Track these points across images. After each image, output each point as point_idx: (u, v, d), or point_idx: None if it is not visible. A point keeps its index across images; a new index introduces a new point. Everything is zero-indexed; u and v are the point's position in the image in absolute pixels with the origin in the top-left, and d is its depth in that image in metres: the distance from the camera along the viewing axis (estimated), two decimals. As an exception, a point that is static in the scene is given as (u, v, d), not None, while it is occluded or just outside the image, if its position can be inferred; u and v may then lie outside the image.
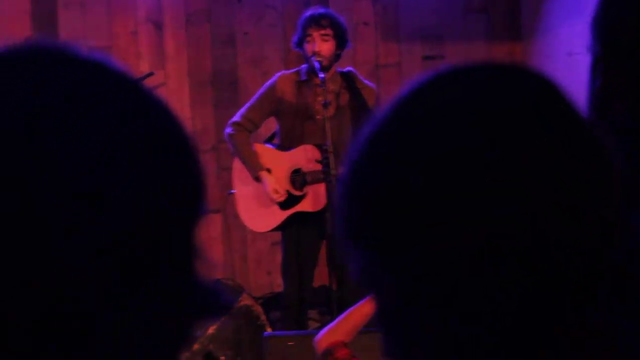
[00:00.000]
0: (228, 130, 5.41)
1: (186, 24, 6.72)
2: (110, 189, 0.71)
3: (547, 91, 0.84)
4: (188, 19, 6.72)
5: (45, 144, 0.69)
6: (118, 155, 0.72)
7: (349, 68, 5.31)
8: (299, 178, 5.24)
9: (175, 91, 6.73)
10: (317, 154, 5.04)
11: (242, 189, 5.51)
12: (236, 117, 5.40)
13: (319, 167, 5.02)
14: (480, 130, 0.80)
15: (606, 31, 1.20)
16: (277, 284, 6.00)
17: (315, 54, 5.01)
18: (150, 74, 6.34)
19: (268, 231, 5.60)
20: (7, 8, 6.41)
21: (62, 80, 0.75)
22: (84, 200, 0.69)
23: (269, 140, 5.57)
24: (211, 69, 6.76)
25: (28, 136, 0.69)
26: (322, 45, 5.01)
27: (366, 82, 5.31)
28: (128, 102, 0.77)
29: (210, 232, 6.74)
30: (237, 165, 5.50)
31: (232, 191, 5.62)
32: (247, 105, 5.41)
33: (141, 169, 0.74)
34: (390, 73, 6.75)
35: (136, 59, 6.66)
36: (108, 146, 0.71)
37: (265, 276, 6.71)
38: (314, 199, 5.17)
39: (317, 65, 4.96)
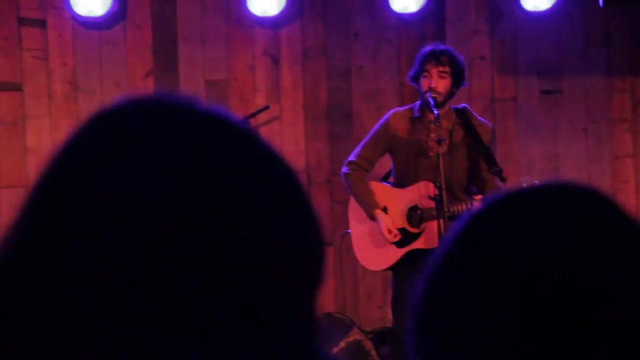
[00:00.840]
0: (344, 170, 5.45)
1: (303, 58, 6.82)
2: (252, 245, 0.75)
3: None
4: (305, 53, 6.81)
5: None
6: (246, 214, 0.75)
7: (464, 105, 5.28)
8: (415, 215, 5.22)
9: (291, 124, 6.82)
10: (432, 191, 5.03)
11: (358, 227, 5.53)
12: (352, 157, 5.44)
13: (433, 204, 5.01)
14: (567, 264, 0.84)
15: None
16: (389, 319, 5.98)
17: (431, 90, 4.99)
18: (266, 108, 6.59)
19: (383, 270, 5.59)
20: (130, 40, 6.68)
21: (188, 144, 0.77)
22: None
23: (385, 178, 5.61)
24: (327, 102, 6.83)
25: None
26: (439, 82, 4.99)
27: (481, 119, 5.27)
28: (249, 160, 0.79)
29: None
30: (353, 204, 5.53)
31: (349, 231, 5.64)
32: (362, 144, 5.45)
33: (267, 227, 0.76)
34: (507, 108, 6.69)
35: (253, 93, 6.78)
36: (237, 207, 0.75)
37: (377, 310, 6.67)
38: (429, 237, 5.15)
39: (431, 101, 4.94)
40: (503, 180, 5.13)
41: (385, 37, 6.78)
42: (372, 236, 5.41)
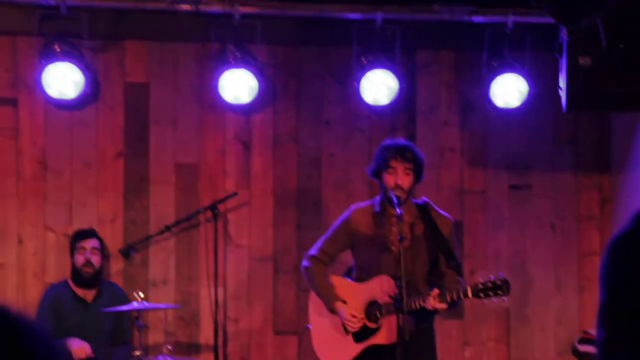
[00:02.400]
0: (305, 263, 5.45)
1: (273, 144, 6.85)
2: None
3: None
4: (276, 139, 6.84)
5: None
6: None
7: (424, 198, 5.28)
8: (373, 309, 5.19)
9: (259, 210, 6.84)
10: (392, 286, 4.99)
11: (318, 320, 5.52)
12: (313, 250, 5.43)
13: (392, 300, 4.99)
14: None
15: (611, 283, 1.21)
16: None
17: (396, 187, 4.97)
18: (234, 194, 6.62)
19: None
20: (101, 121, 6.70)
21: None
22: None
23: (346, 274, 5.61)
24: (296, 188, 6.86)
25: None
26: (404, 178, 4.99)
27: (441, 212, 5.26)
28: None
29: (286, 353, 6.74)
30: (313, 297, 5.52)
31: (308, 326, 5.61)
32: (323, 238, 5.44)
33: None
34: (475, 200, 6.72)
35: (222, 177, 6.80)
36: None
37: None
38: (388, 332, 5.11)
39: (394, 199, 4.93)
40: (460, 274, 5.16)
41: (356, 126, 6.82)
42: (332, 330, 5.41)
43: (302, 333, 6.22)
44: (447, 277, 5.12)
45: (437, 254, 5.17)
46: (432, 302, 4.91)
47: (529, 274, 6.73)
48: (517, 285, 6.19)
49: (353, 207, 5.33)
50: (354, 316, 5.20)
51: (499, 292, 4.91)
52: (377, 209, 5.16)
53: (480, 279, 4.99)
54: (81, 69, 6.35)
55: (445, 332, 6.48)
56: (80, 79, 6.33)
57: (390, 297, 4.95)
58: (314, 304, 5.50)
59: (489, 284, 4.91)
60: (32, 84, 6.45)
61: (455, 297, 4.94)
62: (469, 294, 4.93)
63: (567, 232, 6.76)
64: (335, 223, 5.43)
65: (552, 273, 6.72)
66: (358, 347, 5.30)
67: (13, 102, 6.59)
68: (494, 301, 5.01)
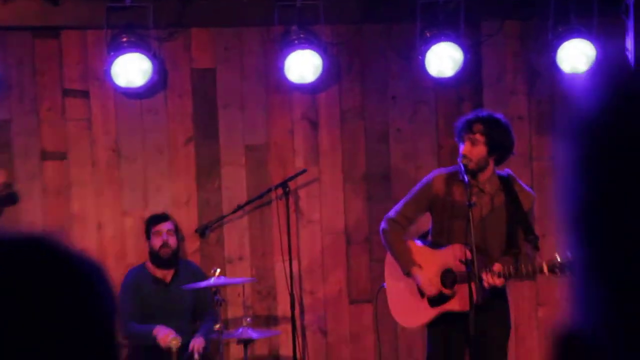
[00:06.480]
0: (383, 225, 5.57)
1: (341, 122, 6.98)
2: None
3: None
4: (342, 117, 6.97)
5: None
6: None
7: (507, 171, 5.42)
8: (449, 277, 5.35)
9: (329, 186, 6.99)
10: (465, 254, 5.15)
11: (393, 283, 5.64)
12: (391, 213, 5.54)
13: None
14: None
15: None
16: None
17: (463, 156, 5.19)
18: (303, 171, 6.78)
19: (416, 327, 5.72)
20: (170, 108, 6.92)
21: None
22: None
23: (423, 237, 5.71)
24: (364, 163, 6.97)
25: None
26: (469, 148, 5.19)
27: (525, 186, 5.44)
28: None
29: (362, 321, 6.92)
30: (389, 260, 5.64)
31: (384, 285, 5.74)
32: (403, 201, 5.55)
33: None
34: (544, 167, 6.78)
35: (292, 156, 6.95)
36: None
37: None
38: (462, 299, 5.24)
39: (461, 167, 5.14)
40: (536, 248, 5.23)
41: (422, 100, 6.89)
42: (407, 293, 5.55)
43: (376, 292, 6.44)
44: (522, 250, 5.28)
45: (515, 226, 5.31)
46: (490, 278, 5.10)
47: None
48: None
49: (436, 172, 5.53)
50: (430, 282, 5.36)
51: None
52: (459, 177, 5.32)
53: (557, 256, 5.10)
54: (149, 57, 6.51)
55: (518, 294, 6.58)
56: (148, 68, 6.49)
57: (461, 262, 5.12)
58: (390, 266, 5.65)
59: (565, 262, 5.00)
60: (102, 76, 6.63)
61: (524, 270, 5.07)
62: (545, 270, 5.09)
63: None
64: (416, 187, 5.58)
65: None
66: (433, 312, 5.45)
67: (85, 94, 6.81)
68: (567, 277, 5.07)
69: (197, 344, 6.55)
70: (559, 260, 5.03)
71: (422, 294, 5.53)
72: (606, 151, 0.88)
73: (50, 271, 1.06)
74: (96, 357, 1.08)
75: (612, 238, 0.89)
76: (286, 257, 6.82)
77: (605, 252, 0.90)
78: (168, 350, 6.32)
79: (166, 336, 6.41)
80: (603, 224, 0.89)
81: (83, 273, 1.09)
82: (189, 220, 7.00)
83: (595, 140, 0.88)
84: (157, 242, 6.66)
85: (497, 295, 5.30)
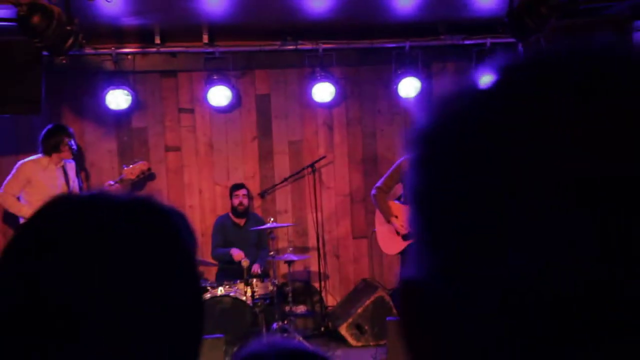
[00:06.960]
0: (373, 192, 7.26)
1: (347, 126, 8.88)
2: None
3: None
4: (348, 123, 8.90)
5: None
6: None
7: None
8: None
9: (340, 166, 8.82)
10: None
11: (380, 228, 7.35)
12: (378, 183, 7.28)
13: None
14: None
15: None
16: (401, 282, 8.43)
17: None
18: (323, 157, 8.62)
19: (394, 254, 7.36)
20: (243, 120, 8.68)
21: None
22: None
23: (398, 198, 7.31)
24: (362, 152, 8.88)
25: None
26: None
27: None
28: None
29: (361, 250, 8.73)
30: (377, 214, 7.46)
31: (374, 230, 7.62)
32: (385, 176, 7.40)
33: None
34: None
35: (316, 147, 8.82)
36: None
37: (394, 277, 8.59)
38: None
39: None
40: None
41: (397, 112, 8.91)
42: (389, 233, 7.21)
43: (370, 235, 8.24)
44: None
45: None
46: None
47: None
48: None
49: (404, 157, 7.75)
50: (403, 226, 7.10)
51: None
52: None
53: None
54: (229, 88, 8.22)
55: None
56: (229, 94, 8.25)
57: None
58: (378, 217, 7.32)
59: None
60: (202, 99, 8.39)
61: None
62: None
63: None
64: (393, 167, 7.16)
65: None
66: (405, 243, 7.15)
67: (191, 111, 8.57)
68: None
69: (256, 266, 7.65)
70: None
71: (398, 233, 7.10)
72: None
73: (170, 221, 1.06)
74: (187, 274, 1.04)
75: None
76: (313, 210, 8.43)
77: None
78: (239, 265, 7.23)
79: (239, 254, 7.53)
80: None
81: (183, 223, 1.08)
82: (254, 187, 8.55)
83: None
84: (236, 201, 8.11)
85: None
